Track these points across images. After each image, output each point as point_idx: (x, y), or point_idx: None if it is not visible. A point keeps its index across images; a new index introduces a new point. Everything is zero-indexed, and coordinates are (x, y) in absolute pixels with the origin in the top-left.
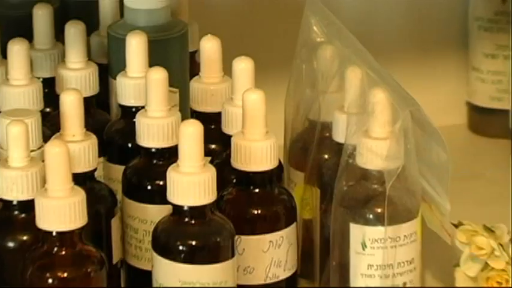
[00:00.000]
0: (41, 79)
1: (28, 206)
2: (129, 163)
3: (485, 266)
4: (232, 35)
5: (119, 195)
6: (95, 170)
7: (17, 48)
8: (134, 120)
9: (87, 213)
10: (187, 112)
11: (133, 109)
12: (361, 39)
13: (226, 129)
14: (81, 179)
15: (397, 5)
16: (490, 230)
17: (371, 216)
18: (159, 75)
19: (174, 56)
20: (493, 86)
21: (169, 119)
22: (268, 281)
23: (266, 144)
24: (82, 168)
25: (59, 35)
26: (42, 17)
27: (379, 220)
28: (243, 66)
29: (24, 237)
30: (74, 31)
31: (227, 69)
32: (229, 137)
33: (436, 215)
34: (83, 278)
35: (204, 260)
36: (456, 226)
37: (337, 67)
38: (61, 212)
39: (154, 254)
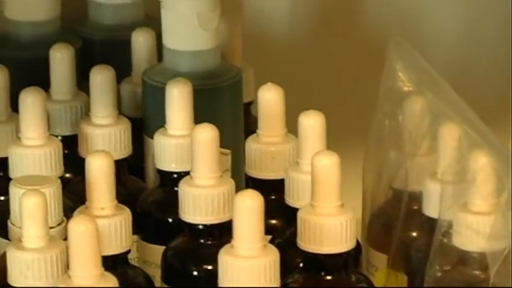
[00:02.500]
0: (60, 137)
1: None
2: (170, 243)
3: None
4: (297, 83)
5: (158, 283)
6: (128, 251)
7: (30, 100)
8: (176, 189)
9: None
10: (242, 179)
11: (175, 175)
12: (459, 90)
13: (291, 200)
14: (112, 263)
15: (505, 49)
16: None
17: None
18: (208, 133)
19: (226, 109)
20: None
21: (220, 188)
22: None
23: (341, 220)
24: (113, 249)
25: (82, 83)
26: (61, 61)
27: None
28: (312, 122)
29: None
30: (101, 78)
31: (291, 126)
32: (294, 210)
33: None
34: None
35: None
36: None
37: (428, 124)
38: None
39: None
